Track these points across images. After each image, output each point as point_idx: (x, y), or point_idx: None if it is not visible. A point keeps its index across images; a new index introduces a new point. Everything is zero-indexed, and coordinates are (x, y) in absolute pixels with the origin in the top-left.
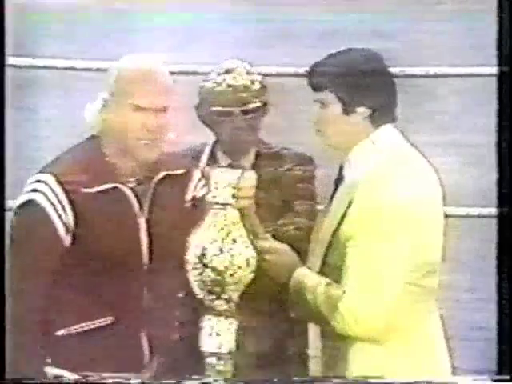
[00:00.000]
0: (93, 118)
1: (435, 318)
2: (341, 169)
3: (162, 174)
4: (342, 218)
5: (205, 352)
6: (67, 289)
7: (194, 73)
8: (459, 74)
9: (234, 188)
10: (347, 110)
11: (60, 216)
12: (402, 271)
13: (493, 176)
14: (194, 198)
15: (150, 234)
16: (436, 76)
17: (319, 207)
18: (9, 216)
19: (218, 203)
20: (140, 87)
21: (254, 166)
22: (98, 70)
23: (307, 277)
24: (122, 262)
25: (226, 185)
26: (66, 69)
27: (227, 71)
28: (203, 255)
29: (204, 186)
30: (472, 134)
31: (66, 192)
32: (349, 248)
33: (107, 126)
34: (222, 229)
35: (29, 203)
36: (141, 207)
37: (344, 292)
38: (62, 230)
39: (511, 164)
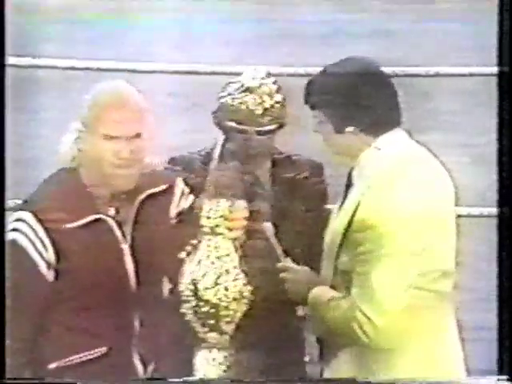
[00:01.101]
0: (68, 150)
1: (451, 322)
2: (350, 174)
3: (144, 194)
4: (350, 223)
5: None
6: (56, 324)
7: (195, 73)
8: (459, 73)
9: (226, 219)
10: (338, 129)
11: (41, 254)
12: (411, 276)
13: (493, 176)
14: (179, 214)
15: (135, 260)
16: (436, 76)
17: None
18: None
19: (209, 233)
20: (110, 115)
21: (271, 174)
22: (98, 69)
23: (324, 293)
24: (110, 291)
25: (218, 216)
26: (65, 69)
27: (248, 90)
28: (196, 288)
29: (187, 196)
30: (472, 133)
31: (46, 229)
32: (357, 254)
33: (83, 156)
34: (214, 262)
35: (10, 243)
36: (123, 234)
37: (356, 302)
38: (43, 267)
39: (511, 164)
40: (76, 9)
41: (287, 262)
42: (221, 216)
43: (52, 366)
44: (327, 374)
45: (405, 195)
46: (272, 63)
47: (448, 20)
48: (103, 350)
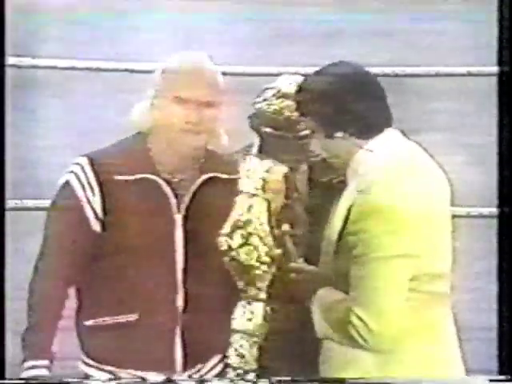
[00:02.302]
0: (141, 116)
1: (448, 322)
2: (345, 175)
3: (208, 175)
4: (343, 226)
5: (233, 330)
6: (97, 277)
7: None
8: (459, 73)
9: (264, 180)
10: (327, 135)
11: (89, 200)
12: (405, 279)
13: (493, 176)
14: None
15: (186, 232)
16: (436, 76)
17: None
18: (9, 216)
19: (246, 192)
20: (184, 80)
21: (308, 177)
22: (98, 69)
23: (327, 296)
24: (154, 257)
25: (256, 175)
26: (65, 69)
27: (285, 96)
28: (230, 245)
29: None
30: (472, 133)
31: (97, 175)
32: (352, 257)
33: (153, 122)
34: (246, 221)
35: (64, 184)
36: (178, 204)
37: (351, 306)
38: (91, 214)
39: (511, 164)
40: (76, 9)
41: (300, 263)
42: (259, 177)
43: (88, 322)
44: (324, 374)
45: (397, 197)
46: (272, 63)
47: (448, 20)
48: (134, 316)
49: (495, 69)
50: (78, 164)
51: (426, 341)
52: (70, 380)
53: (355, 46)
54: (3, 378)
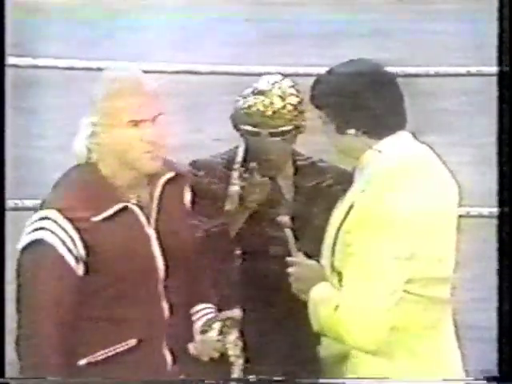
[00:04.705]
0: (83, 146)
1: (446, 326)
2: (352, 173)
3: (165, 178)
4: (342, 223)
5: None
6: (85, 318)
7: (195, 73)
8: (459, 73)
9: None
10: (339, 131)
11: (70, 251)
12: (398, 282)
13: (493, 176)
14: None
15: (161, 244)
16: (436, 76)
17: None
18: (9, 216)
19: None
20: (131, 101)
21: (293, 181)
22: (98, 69)
23: (322, 291)
24: (138, 280)
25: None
26: (65, 69)
27: (260, 92)
28: None
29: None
30: (472, 133)
31: (74, 225)
32: (347, 255)
33: (102, 149)
34: None
35: (36, 242)
36: (148, 219)
37: (341, 304)
38: (73, 263)
39: (511, 164)
40: (76, 9)
41: (299, 257)
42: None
43: (82, 362)
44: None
45: (398, 200)
46: (272, 63)
47: (448, 20)
48: (134, 341)
49: (495, 69)
50: (47, 218)
51: (422, 344)
52: (70, 380)
53: (355, 46)
54: (3, 378)
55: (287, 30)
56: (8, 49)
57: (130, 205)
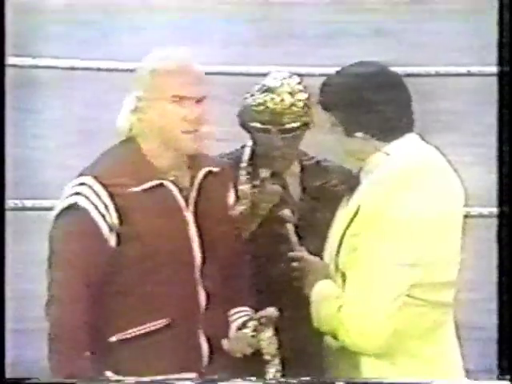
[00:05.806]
0: (126, 121)
1: (448, 329)
2: (359, 175)
3: (207, 168)
4: (348, 226)
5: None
6: (117, 293)
7: None
8: (459, 73)
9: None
10: (348, 133)
11: (104, 217)
12: (401, 287)
13: (493, 176)
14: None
15: (198, 228)
16: (436, 76)
17: None
18: (9, 216)
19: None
20: (177, 78)
21: (300, 180)
22: (98, 69)
23: (326, 289)
24: (172, 259)
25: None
26: (65, 69)
27: (269, 89)
28: None
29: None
30: (472, 133)
31: (109, 193)
32: (351, 258)
33: (144, 124)
34: None
35: (71, 207)
36: (186, 202)
37: (343, 306)
38: (106, 230)
39: (511, 164)
40: (76, 9)
41: (301, 252)
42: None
43: (112, 339)
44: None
45: (404, 205)
46: (272, 63)
47: (448, 20)
48: (165, 321)
49: (495, 69)
50: (83, 184)
51: (424, 347)
52: (73, 380)
53: (355, 45)
54: (3, 378)
55: (287, 30)
56: (8, 49)
57: (166, 182)
